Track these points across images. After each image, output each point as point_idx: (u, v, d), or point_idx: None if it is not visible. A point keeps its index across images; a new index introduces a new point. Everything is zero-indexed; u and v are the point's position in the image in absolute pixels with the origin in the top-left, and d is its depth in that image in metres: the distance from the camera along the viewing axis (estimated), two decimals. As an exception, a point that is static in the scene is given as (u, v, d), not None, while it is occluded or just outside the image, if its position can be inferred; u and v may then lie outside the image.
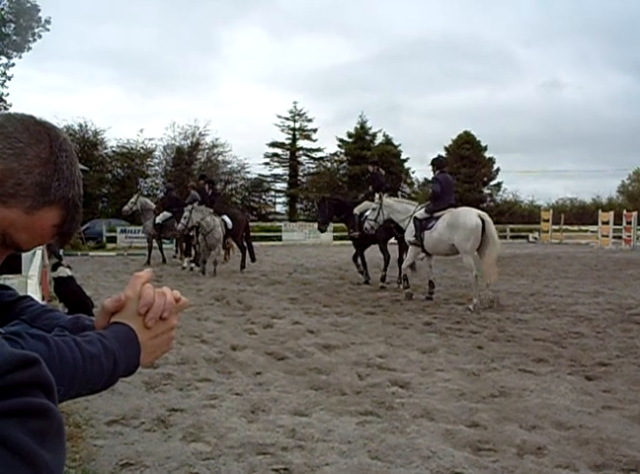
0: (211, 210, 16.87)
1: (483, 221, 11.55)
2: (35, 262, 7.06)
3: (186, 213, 16.55)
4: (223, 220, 16.91)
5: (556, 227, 40.01)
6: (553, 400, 5.82)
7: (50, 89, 77.95)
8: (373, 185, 15.42)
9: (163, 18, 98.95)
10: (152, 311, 1.12)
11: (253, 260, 17.96)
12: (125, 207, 21.44)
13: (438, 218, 12.14)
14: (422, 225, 12.31)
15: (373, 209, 13.64)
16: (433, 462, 4.33)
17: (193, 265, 18.75)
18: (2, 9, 32.48)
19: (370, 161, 17.49)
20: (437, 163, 12.98)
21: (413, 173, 55.67)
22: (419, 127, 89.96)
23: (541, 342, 8.40)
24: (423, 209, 12.59)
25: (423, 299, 12.28)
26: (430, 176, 13.49)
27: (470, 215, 11.75)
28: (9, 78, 33.89)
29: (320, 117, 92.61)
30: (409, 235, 12.68)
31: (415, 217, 12.53)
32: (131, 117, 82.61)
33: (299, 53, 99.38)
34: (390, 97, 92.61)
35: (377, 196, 13.84)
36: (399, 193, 49.35)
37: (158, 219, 19.84)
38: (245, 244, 18.09)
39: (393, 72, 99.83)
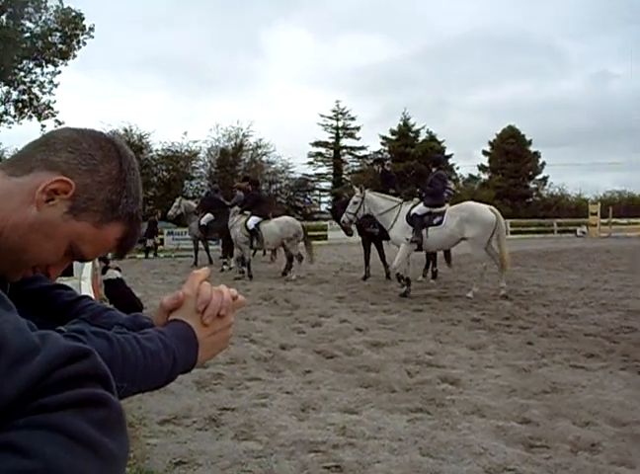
0: (234, 211, 17.00)
1: (496, 215, 12.04)
2: (86, 264, 7.17)
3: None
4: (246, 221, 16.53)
5: (604, 221, 39.36)
6: (606, 396, 5.73)
7: (97, 94, 79.64)
8: (389, 183, 15.11)
9: (207, 21, 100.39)
10: (210, 308, 1.14)
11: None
12: (170, 212, 21.77)
13: (441, 214, 12.24)
14: (423, 221, 12.28)
15: (354, 203, 13.53)
16: (484, 459, 4.30)
17: (225, 266, 18.98)
18: (48, 19, 33.22)
19: (376, 159, 17.07)
20: (439, 161, 13.77)
21: (457, 169, 55.36)
22: (463, 123, 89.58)
23: (592, 337, 8.27)
24: (421, 204, 12.54)
25: (468, 297, 12.07)
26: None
27: (487, 210, 12.15)
28: (56, 86, 34.78)
29: (363, 115, 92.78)
30: (404, 233, 12.50)
31: (414, 214, 12.41)
32: (176, 119, 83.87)
33: (342, 52, 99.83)
34: (434, 93, 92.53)
35: (358, 190, 13.68)
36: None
37: (203, 221, 19.97)
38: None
39: (437, 68, 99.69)
